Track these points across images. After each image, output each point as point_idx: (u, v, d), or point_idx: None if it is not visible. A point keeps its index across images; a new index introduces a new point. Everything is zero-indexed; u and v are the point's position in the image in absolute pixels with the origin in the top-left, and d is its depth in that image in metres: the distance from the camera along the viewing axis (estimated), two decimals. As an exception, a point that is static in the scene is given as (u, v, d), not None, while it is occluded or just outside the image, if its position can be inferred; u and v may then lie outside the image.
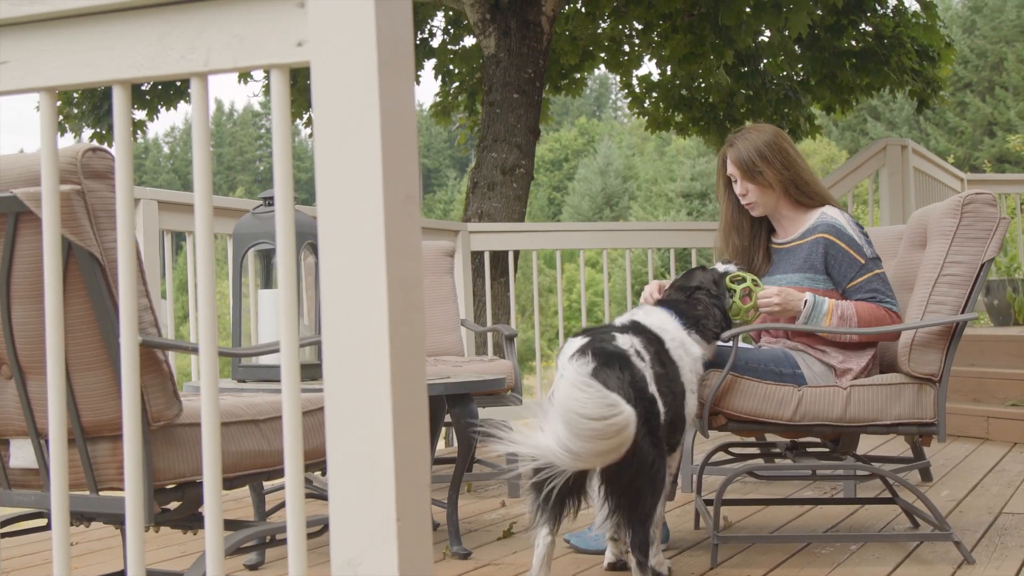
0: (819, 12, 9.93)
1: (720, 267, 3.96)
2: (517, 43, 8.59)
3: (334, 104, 1.55)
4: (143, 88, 11.25)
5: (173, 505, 2.64)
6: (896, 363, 3.91)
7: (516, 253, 8.21)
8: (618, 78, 11.98)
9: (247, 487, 4.18)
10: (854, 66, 10.60)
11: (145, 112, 11.60)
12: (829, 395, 3.79)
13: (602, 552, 3.87)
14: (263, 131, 61.94)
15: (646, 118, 11.86)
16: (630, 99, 11.80)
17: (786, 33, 9.76)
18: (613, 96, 64.56)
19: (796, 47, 10.56)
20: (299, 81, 11.16)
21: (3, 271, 2.43)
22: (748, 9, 9.28)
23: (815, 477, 4.78)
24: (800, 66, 11.05)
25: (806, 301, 3.84)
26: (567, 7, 10.44)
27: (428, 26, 11.53)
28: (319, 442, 2.82)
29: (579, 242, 8.12)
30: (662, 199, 46.95)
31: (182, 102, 11.67)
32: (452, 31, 11.46)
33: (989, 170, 25.93)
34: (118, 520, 2.67)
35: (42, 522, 2.94)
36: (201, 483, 2.59)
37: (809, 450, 4.29)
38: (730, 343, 3.78)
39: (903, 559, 3.77)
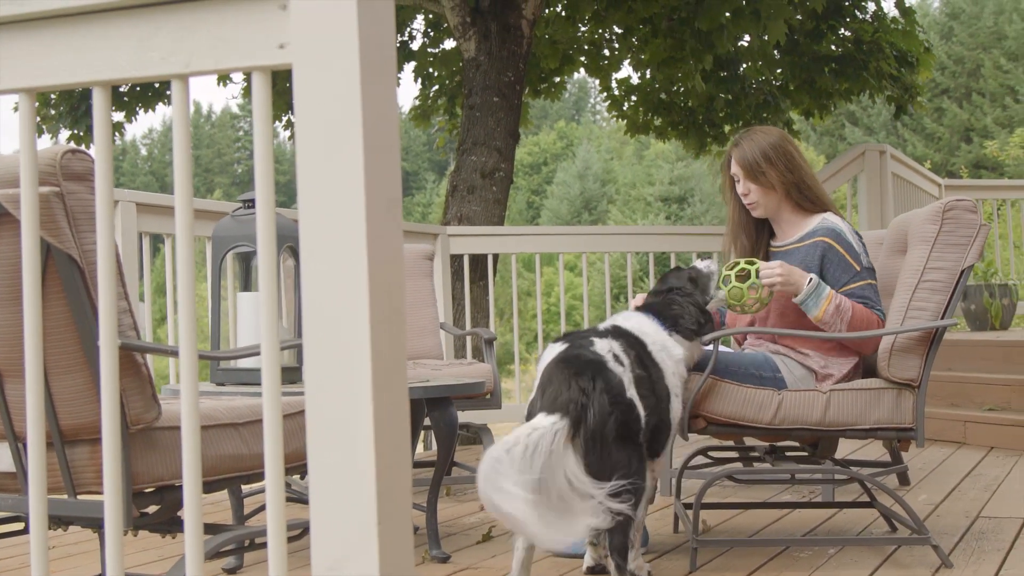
0: (798, 17, 9.95)
1: (698, 263, 3.96)
2: (497, 46, 8.59)
3: (316, 107, 1.54)
4: (121, 90, 11.20)
5: (152, 509, 2.63)
6: (876, 368, 3.92)
7: (495, 257, 8.21)
8: (597, 82, 11.99)
9: (225, 491, 4.16)
10: (833, 71, 10.62)
11: (123, 114, 11.54)
12: (809, 399, 3.80)
13: (581, 556, 3.87)
14: (241, 133, 61.78)
15: (625, 121, 11.87)
16: (609, 102, 11.81)
17: (765, 38, 9.79)
18: (592, 100, 64.65)
19: (775, 52, 10.58)
20: (278, 83, 11.12)
21: (-19, 273, 2.41)
22: (727, 15, 9.30)
23: (794, 481, 4.80)
24: (779, 71, 11.08)
25: (811, 279, 3.84)
26: (547, 10, 10.44)
27: (408, 29, 11.51)
28: (299, 445, 2.81)
29: (559, 246, 8.13)
30: (640, 203, 47.01)
31: (160, 104, 11.62)
32: (432, 34, 11.44)
33: (966, 176, 26.12)
34: (96, 524, 2.66)
35: (19, 526, 2.92)
36: (180, 487, 2.58)
37: (788, 454, 4.30)
38: (710, 347, 3.79)
39: (881, 563, 3.78)
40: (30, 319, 1.71)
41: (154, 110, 11.57)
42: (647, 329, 3.64)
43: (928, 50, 10.99)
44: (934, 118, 41.18)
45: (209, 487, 2.71)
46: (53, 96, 11.42)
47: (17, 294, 2.36)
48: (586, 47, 11.28)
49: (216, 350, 3.85)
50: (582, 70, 11.65)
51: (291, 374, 3.79)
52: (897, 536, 4.14)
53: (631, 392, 3.29)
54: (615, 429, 3.17)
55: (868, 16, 10.75)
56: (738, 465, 4.77)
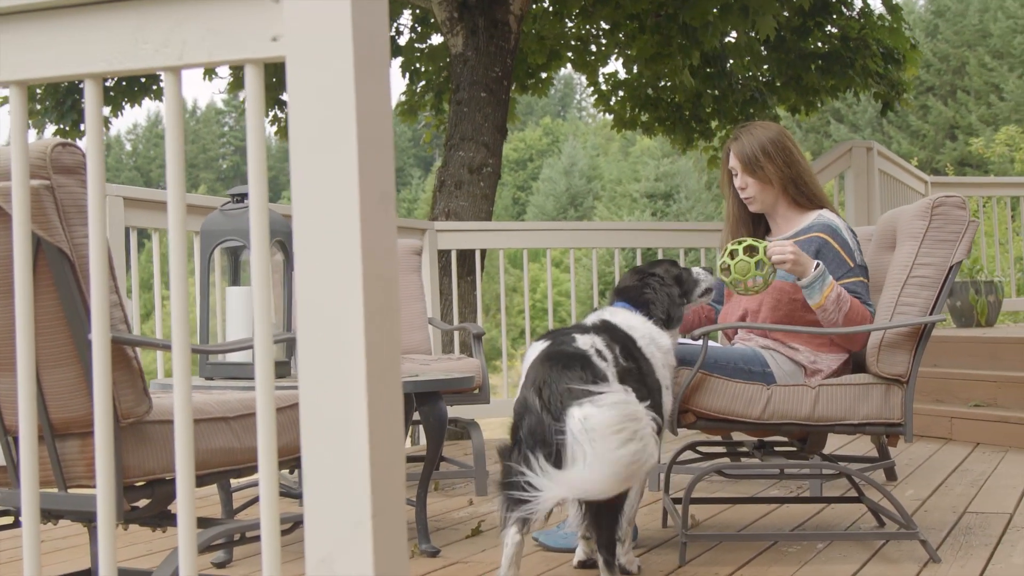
0: (785, 14, 9.96)
1: (695, 271, 3.95)
2: (485, 42, 8.58)
3: (310, 100, 1.54)
4: (107, 84, 11.16)
5: (142, 503, 2.62)
6: (865, 363, 3.93)
7: (483, 252, 8.20)
8: (583, 78, 12.00)
9: (214, 485, 4.16)
10: (819, 68, 10.65)
11: (110, 108, 11.51)
12: (798, 394, 3.81)
13: (571, 550, 3.87)
14: (226, 129, 61.67)
15: (612, 117, 11.88)
16: (596, 97, 11.81)
17: (753, 34, 9.80)
18: (578, 96, 64.67)
19: (762, 48, 10.60)
20: (264, 78, 11.10)
21: (-29, 266, 2.40)
22: (715, 11, 9.30)
23: (783, 476, 4.80)
24: (766, 67, 11.09)
25: (818, 264, 3.83)
26: (535, 6, 10.44)
27: (395, 24, 11.50)
28: (289, 439, 2.80)
29: (547, 241, 8.13)
30: (626, 199, 47.04)
31: (147, 98, 11.59)
32: (419, 29, 11.43)
33: (951, 173, 26.18)
34: (86, 518, 2.65)
35: (7, 519, 2.91)
36: (170, 480, 2.58)
37: (777, 449, 4.30)
38: (699, 341, 3.79)
39: (870, 557, 3.79)
40: (22, 313, 1.70)
41: (140, 104, 11.55)
42: (634, 323, 3.64)
43: (914, 47, 11.02)
44: (919, 115, 41.29)
45: (200, 481, 2.70)
46: (39, 90, 11.38)
47: (6, 287, 2.35)
48: (573, 43, 11.29)
49: (208, 344, 3.84)
50: (569, 66, 11.65)
51: (281, 368, 3.79)
52: (885, 531, 4.15)
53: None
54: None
55: (855, 13, 10.78)
56: (727, 460, 4.77)
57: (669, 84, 11.22)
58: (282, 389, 2.91)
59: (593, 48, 11.31)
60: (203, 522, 2.69)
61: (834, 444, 6.41)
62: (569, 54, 11.36)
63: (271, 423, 1.60)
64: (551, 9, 10.72)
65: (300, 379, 1.55)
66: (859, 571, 3.61)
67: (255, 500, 4.42)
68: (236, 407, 2.76)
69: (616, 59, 11.31)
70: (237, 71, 11.53)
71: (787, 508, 4.70)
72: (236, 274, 4.03)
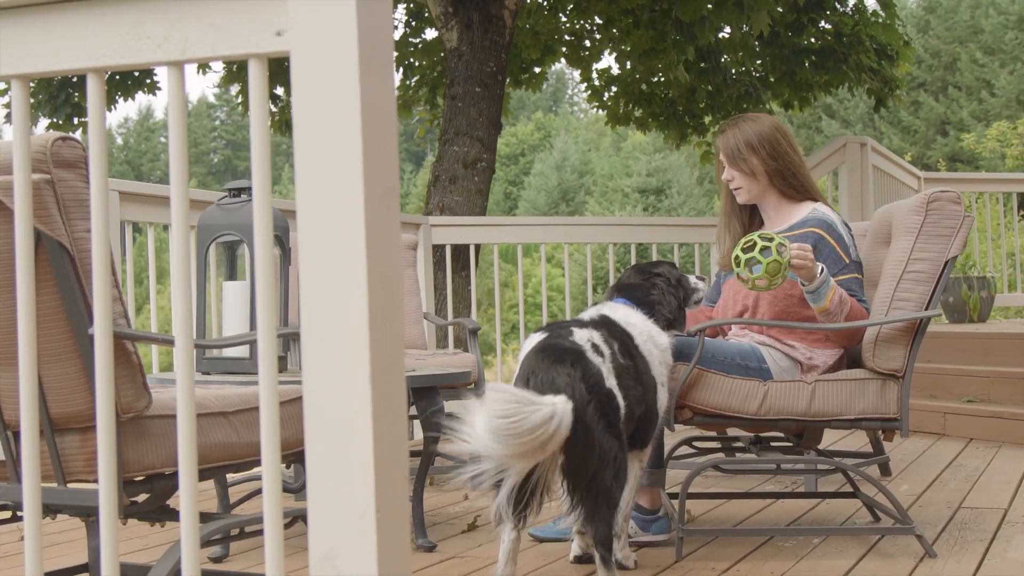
0: (779, 9, 9.97)
1: (692, 280, 3.95)
2: (480, 36, 8.57)
3: (314, 95, 1.54)
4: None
5: (141, 497, 2.62)
6: (860, 359, 3.94)
7: (477, 247, 8.20)
8: (576, 73, 11.99)
9: (210, 480, 4.15)
10: (813, 64, 10.66)
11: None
12: (794, 390, 3.81)
13: (565, 539, 3.88)
14: (217, 123, 61.58)
15: (605, 112, 11.87)
16: (589, 92, 11.80)
17: (746, 29, 9.80)
18: (570, 91, 64.65)
19: (756, 44, 10.60)
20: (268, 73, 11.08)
21: (-30, 261, 2.39)
22: (709, 6, 9.31)
23: (779, 471, 4.81)
24: (760, 63, 11.10)
25: (822, 269, 3.81)
26: (529, 1, 10.43)
27: (389, 19, 11.47)
28: (288, 434, 2.81)
29: (541, 236, 8.12)
30: (618, 194, 47.03)
31: (140, 92, 11.56)
32: (413, 24, 11.42)
33: (943, 169, 26.22)
34: (85, 512, 2.65)
35: (5, 514, 2.90)
36: (169, 475, 2.58)
37: (773, 444, 4.31)
38: (695, 337, 3.80)
39: (865, 552, 3.80)
40: (24, 307, 1.70)
41: (133, 98, 11.53)
42: (633, 320, 3.64)
43: (908, 43, 11.04)
44: (910, 111, 41.33)
45: (199, 476, 2.69)
46: (32, 84, 11.33)
47: (6, 282, 2.35)
48: (567, 38, 11.28)
49: (210, 338, 3.84)
50: (562, 60, 11.64)
51: (279, 363, 3.78)
52: (881, 526, 4.15)
53: (610, 382, 3.28)
54: (594, 417, 3.17)
55: (848, 9, 10.79)
56: (723, 455, 4.78)
57: (663, 79, 11.22)
58: (281, 384, 2.91)
59: (587, 43, 11.30)
60: (201, 517, 2.68)
61: (828, 439, 6.42)
62: (563, 49, 11.35)
63: (274, 418, 1.60)
64: (545, 4, 10.72)
65: (304, 374, 1.55)
66: (855, 566, 3.62)
67: (251, 495, 4.42)
68: (235, 402, 2.75)
69: (610, 54, 11.31)
70: (230, 65, 11.50)
71: (783, 503, 4.70)
72: (233, 269, 4.03)
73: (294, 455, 2.91)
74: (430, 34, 11.30)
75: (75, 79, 10.83)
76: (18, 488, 2.53)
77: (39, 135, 2.37)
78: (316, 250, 1.53)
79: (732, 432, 4.60)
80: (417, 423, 5.73)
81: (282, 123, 11.95)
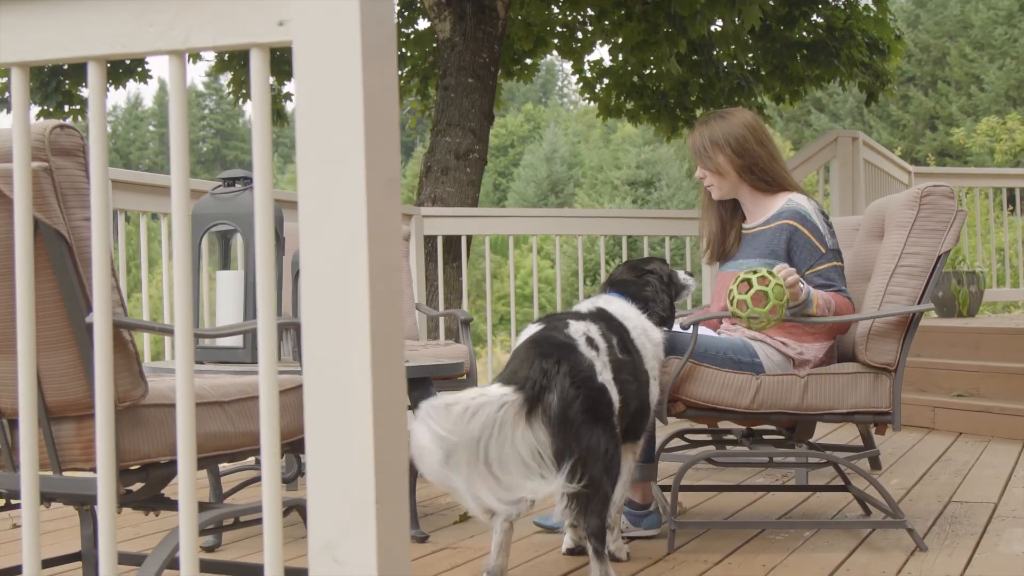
0: (771, 3, 9.97)
1: (681, 276, 3.96)
2: (472, 27, 8.56)
3: (317, 85, 1.53)
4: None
5: (136, 486, 2.62)
6: (853, 353, 3.95)
7: (469, 238, 8.20)
8: (568, 64, 11.98)
9: (203, 469, 4.15)
10: (805, 57, 10.67)
11: (94, 90, 11.44)
12: (787, 383, 3.82)
13: (558, 529, 3.88)
14: (206, 112, 61.39)
15: (597, 104, 11.86)
16: (581, 84, 11.79)
17: (738, 22, 9.80)
18: (559, 83, 64.60)
19: (748, 37, 10.60)
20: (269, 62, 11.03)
21: (-33, 248, 2.39)
22: (703, 0, 9.30)
23: (771, 464, 4.82)
24: (751, 56, 11.10)
25: (809, 292, 3.82)
26: (522, -8, 10.42)
27: (381, 9, 11.44)
28: (283, 423, 2.80)
29: (533, 228, 8.12)
30: (607, 187, 47.01)
31: (131, 80, 11.53)
32: (405, 14, 11.40)
33: (933, 164, 26.29)
34: (79, 500, 2.65)
35: (-1, 502, 2.90)
36: (165, 464, 2.58)
37: (765, 437, 4.32)
38: (689, 330, 3.80)
39: (857, 546, 3.81)
40: (23, 296, 1.69)
41: (125, 86, 11.49)
42: (629, 314, 3.64)
43: (899, 38, 11.05)
44: (900, 106, 41.35)
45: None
46: (23, 71, 11.28)
47: (6, 270, 2.34)
48: (559, 29, 11.27)
49: (211, 328, 3.83)
50: (555, 52, 11.63)
51: (272, 353, 3.77)
52: (872, 519, 4.17)
53: (604, 376, 3.28)
54: (581, 412, 3.16)
55: (840, 3, 10.80)
56: (714, 448, 4.79)
57: (655, 72, 11.22)
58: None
59: (579, 35, 11.30)
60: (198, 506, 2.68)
61: (818, 433, 6.44)
62: (555, 41, 11.34)
63: (274, 408, 1.60)
64: (538, -5, 10.70)
65: (304, 364, 1.55)
66: (846, 560, 3.63)
67: (242, 485, 4.41)
68: (231, 391, 2.75)
69: (602, 46, 11.30)
70: (221, 53, 11.47)
71: (774, 496, 4.72)
72: (226, 258, 4.02)
73: (288, 445, 2.91)
74: (422, 24, 11.29)
75: (66, 67, 10.79)
76: (12, 476, 2.52)
77: (37, 123, 2.36)
78: (318, 239, 1.53)
79: (723, 425, 4.61)
80: (410, 414, 5.74)
81: (273, 112, 11.92)
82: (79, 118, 11.29)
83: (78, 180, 2.35)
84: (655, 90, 11.41)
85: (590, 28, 11.15)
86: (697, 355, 3.81)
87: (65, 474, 2.51)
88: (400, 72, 11.48)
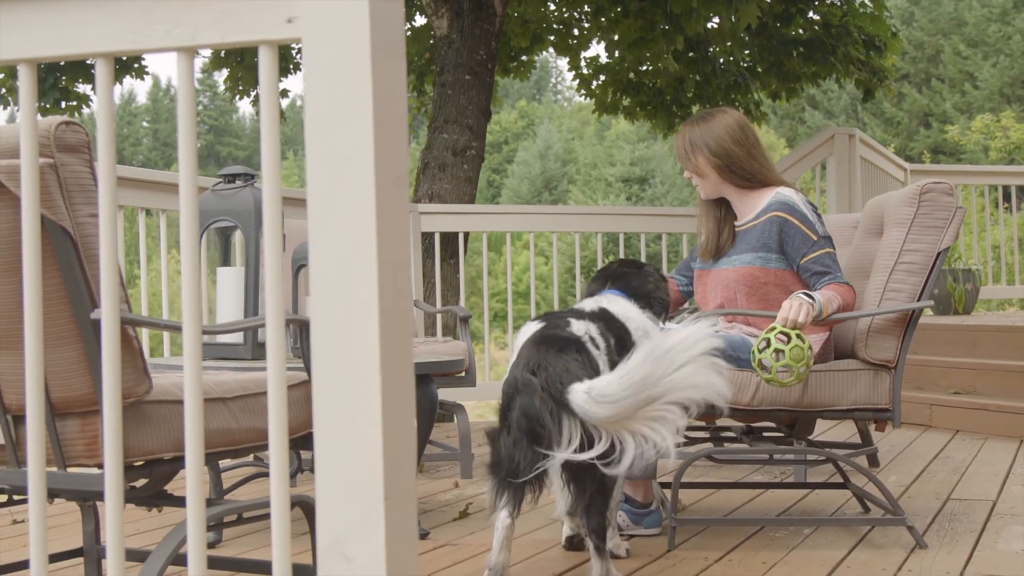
0: (768, 0, 9.97)
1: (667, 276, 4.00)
2: (470, 24, 8.55)
3: (325, 82, 1.54)
4: (89, 62, 11.07)
5: (140, 482, 2.62)
6: (853, 349, 3.95)
7: (466, 235, 8.19)
8: (560, 61, 11.99)
9: (206, 465, 4.14)
10: (801, 54, 10.66)
11: (90, 86, 11.41)
12: (787, 380, 3.82)
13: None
14: (201, 108, 61.32)
15: (593, 100, 11.85)
16: (578, 81, 11.78)
17: (734, 19, 9.79)
18: (553, 79, 64.59)
19: (744, 35, 10.59)
20: (246, 58, 11.05)
21: (-28, 245, 2.39)
22: (699, -4, 9.30)
23: (771, 461, 4.83)
24: (748, 53, 11.09)
25: (814, 301, 3.81)
26: (519, -12, 10.40)
27: (377, 5, 11.42)
28: (288, 419, 2.80)
29: (530, 224, 8.12)
30: (601, 183, 47.00)
31: (128, 76, 11.49)
32: (402, 11, 11.37)
33: (927, 161, 26.31)
34: (83, 496, 2.65)
35: (1, 498, 2.90)
36: (168, 460, 2.58)
37: (764, 434, 4.33)
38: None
39: (856, 543, 3.82)
40: (30, 292, 1.69)
41: (121, 83, 11.47)
42: (631, 313, 3.64)
43: (895, 35, 11.05)
44: (894, 103, 41.40)
45: (198, 462, 2.69)
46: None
47: (9, 266, 2.34)
48: (556, 26, 11.26)
49: (218, 324, 3.83)
50: (551, 48, 11.62)
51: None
52: (871, 517, 4.18)
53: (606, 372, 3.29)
54: None
55: (837, 0, 10.79)
56: (713, 445, 4.79)
57: (651, 68, 11.21)
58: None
59: (576, 32, 11.28)
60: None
61: (816, 430, 6.44)
62: (552, 38, 11.32)
63: (282, 404, 1.60)
64: (534, -8, 10.68)
65: (313, 360, 1.55)
66: (846, 557, 3.64)
67: (243, 481, 4.41)
68: (234, 388, 2.75)
69: (598, 43, 11.28)
70: (218, 50, 11.45)
71: (773, 493, 4.72)
72: (227, 255, 4.02)
73: (292, 441, 2.91)
74: (419, 21, 11.27)
75: (63, 63, 10.77)
76: (17, 472, 2.52)
77: (44, 119, 2.36)
78: (327, 236, 1.54)
79: (722, 422, 4.62)
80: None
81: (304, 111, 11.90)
82: (76, 114, 11.27)
83: (83, 177, 2.35)
84: (652, 87, 11.39)
85: (587, 25, 11.14)
86: (697, 353, 3.81)
87: (69, 470, 2.51)
88: (396, 68, 11.45)
